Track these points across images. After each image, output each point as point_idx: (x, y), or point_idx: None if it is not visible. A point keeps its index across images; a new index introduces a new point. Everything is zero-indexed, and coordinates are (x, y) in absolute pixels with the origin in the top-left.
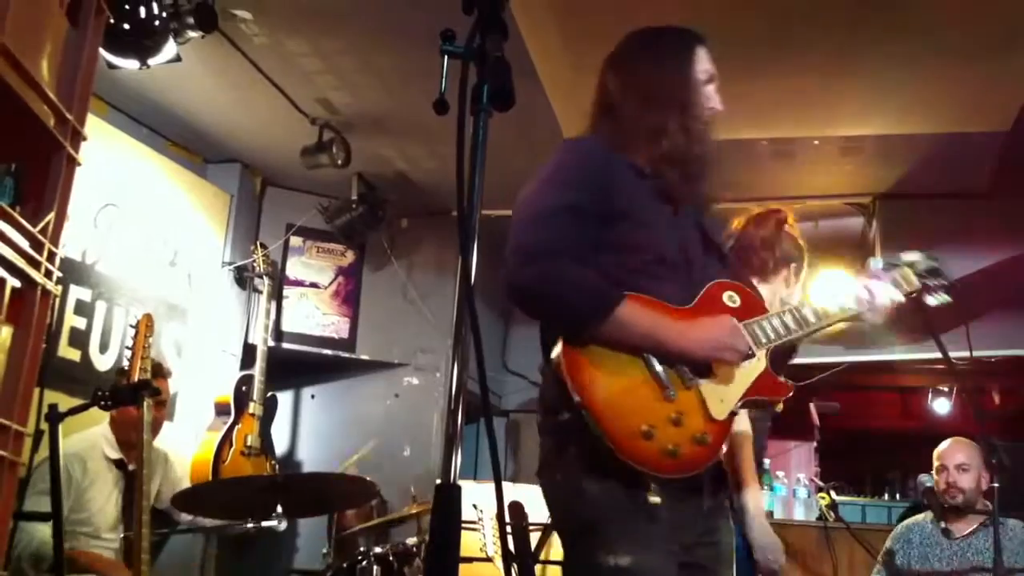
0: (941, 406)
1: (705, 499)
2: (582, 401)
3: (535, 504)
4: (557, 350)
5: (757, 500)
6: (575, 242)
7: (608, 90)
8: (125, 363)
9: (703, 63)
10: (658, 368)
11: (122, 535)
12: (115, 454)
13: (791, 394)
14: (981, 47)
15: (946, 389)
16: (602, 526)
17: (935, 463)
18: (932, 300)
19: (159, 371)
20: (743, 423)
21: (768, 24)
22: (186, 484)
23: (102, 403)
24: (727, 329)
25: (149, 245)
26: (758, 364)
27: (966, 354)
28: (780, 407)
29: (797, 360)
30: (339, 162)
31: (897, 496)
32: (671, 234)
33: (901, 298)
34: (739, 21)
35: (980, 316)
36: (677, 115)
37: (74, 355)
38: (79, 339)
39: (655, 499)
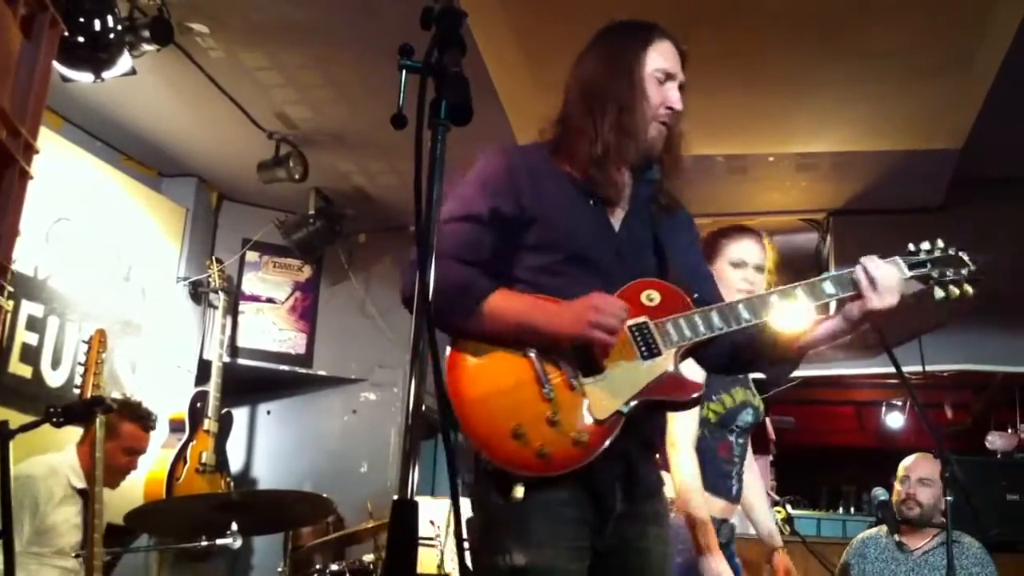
0: (895, 420)
1: (618, 503)
2: (449, 399)
3: None
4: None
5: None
6: (465, 248)
7: (566, 91)
8: (78, 379)
9: (657, 60)
10: (538, 365)
11: (75, 555)
12: (80, 483)
13: (698, 394)
14: (934, 67)
15: (900, 403)
16: (493, 527)
17: (899, 474)
18: (941, 292)
19: (146, 422)
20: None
21: (724, 41)
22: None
23: (54, 420)
24: (594, 303)
25: (103, 260)
26: (663, 363)
27: (919, 368)
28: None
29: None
30: (296, 176)
31: (852, 510)
32: (599, 236)
33: (907, 273)
34: (695, 38)
35: (932, 330)
36: (614, 115)
37: (25, 371)
38: (31, 355)
39: (518, 494)
